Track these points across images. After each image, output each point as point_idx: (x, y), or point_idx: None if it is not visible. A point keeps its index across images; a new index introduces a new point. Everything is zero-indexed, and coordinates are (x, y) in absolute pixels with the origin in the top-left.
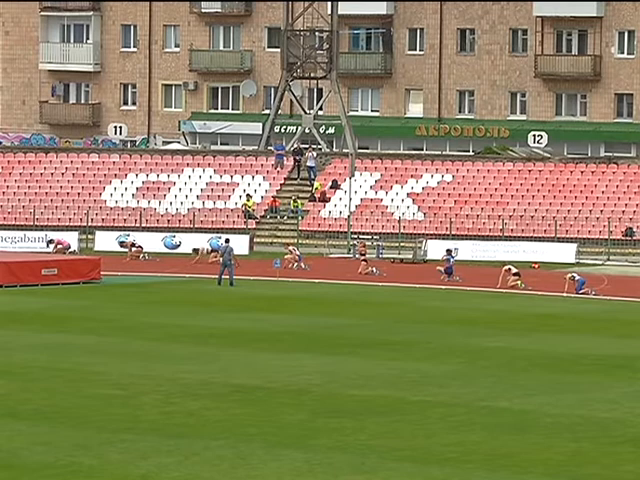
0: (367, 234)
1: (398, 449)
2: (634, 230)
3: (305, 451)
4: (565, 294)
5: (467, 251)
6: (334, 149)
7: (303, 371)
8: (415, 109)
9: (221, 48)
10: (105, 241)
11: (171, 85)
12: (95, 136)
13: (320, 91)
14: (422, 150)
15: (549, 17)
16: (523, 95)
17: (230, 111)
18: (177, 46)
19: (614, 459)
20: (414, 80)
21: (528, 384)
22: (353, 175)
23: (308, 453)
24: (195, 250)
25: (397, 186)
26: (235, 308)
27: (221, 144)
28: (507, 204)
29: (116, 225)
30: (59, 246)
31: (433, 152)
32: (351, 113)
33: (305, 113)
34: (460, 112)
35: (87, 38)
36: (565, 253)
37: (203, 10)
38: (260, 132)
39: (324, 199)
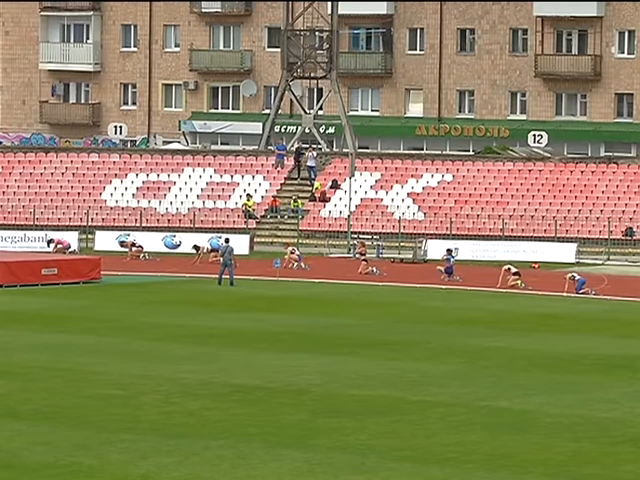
0: (367, 234)
1: (398, 449)
2: (634, 230)
3: (305, 451)
4: (565, 294)
5: (467, 251)
6: (334, 149)
7: (303, 371)
8: (415, 109)
9: (221, 48)
10: (105, 241)
11: (171, 85)
12: (95, 136)
13: (320, 91)
14: (422, 150)
15: (549, 17)
16: (523, 95)
17: (230, 111)
18: (177, 46)
19: (614, 459)
20: (414, 80)
21: (528, 384)
22: (353, 175)
23: (308, 453)
24: (196, 247)
25: (397, 186)
26: (235, 308)
27: (221, 144)
28: (507, 204)
29: (116, 225)
30: (59, 246)
31: (433, 152)
32: (351, 113)
33: (305, 113)
34: (460, 112)
35: (87, 38)
36: (565, 253)
37: (203, 10)
38: (260, 132)
39: (324, 199)
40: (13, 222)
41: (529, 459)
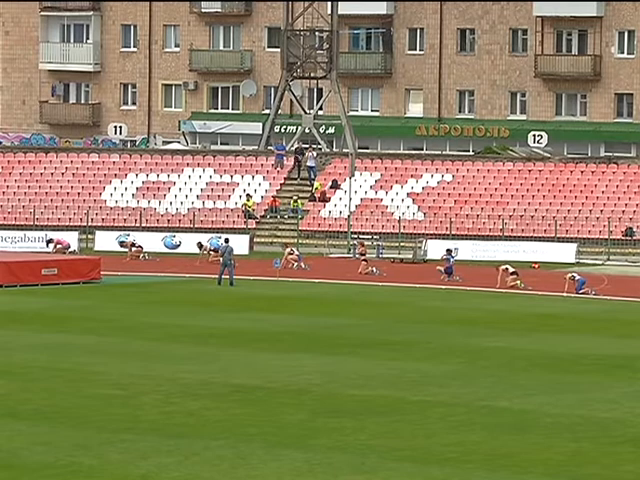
0: (367, 234)
1: (398, 449)
2: (634, 230)
3: (305, 451)
4: (565, 294)
5: (467, 251)
6: (334, 149)
7: (303, 371)
8: (415, 109)
9: (221, 48)
10: (105, 241)
11: (171, 85)
12: (95, 136)
13: (320, 91)
14: (422, 150)
15: (549, 17)
16: (523, 95)
17: (230, 111)
18: (177, 46)
19: (614, 459)
20: (414, 80)
21: (528, 384)
22: (353, 175)
23: (308, 453)
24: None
25: (397, 186)
26: (235, 308)
27: (221, 144)
28: (507, 204)
29: (116, 225)
30: (58, 246)
31: (433, 152)
32: (351, 113)
33: (305, 113)
34: (460, 112)
35: (87, 38)
36: (565, 253)
37: (203, 10)
38: (260, 132)
39: (324, 199)
40: (13, 222)
41: (529, 459)
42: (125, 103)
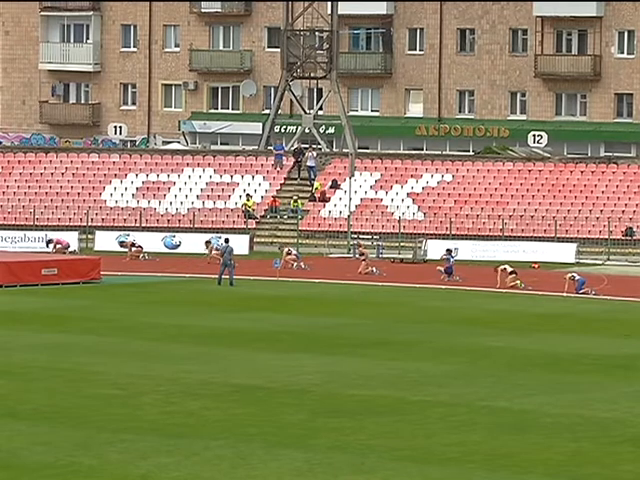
0: (367, 234)
1: (398, 449)
2: (634, 230)
3: (305, 451)
4: (565, 294)
5: (467, 251)
6: (334, 149)
7: (303, 371)
8: (415, 109)
9: (221, 48)
10: (105, 241)
11: (171, 85)
12: (95, 136)
13: (320, 91)
14: (422, 150)
15: (549, 17)
16: (523, 95)
17: (230, 111)
18: (177, 46)
19: (614, 459)
20: (414, 80)
21: (528, 384)
22: (353, 175)
23: (308, 453)
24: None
25: (397, 186)
26: (235, 308)
27: (221, 144)
28: (507, 204)
29: (116, 225)
30: (58, 245)
31: (433, 152)
32: (351, 113)
33: (305, 113)
34: (460, 112)
35: (87, 38)
36: (565, 253)
37: (203, 10)
38: (260, 132)
39: (324, 199)
40: (13, 222)
41: (529, 459)
42: (125, 103)
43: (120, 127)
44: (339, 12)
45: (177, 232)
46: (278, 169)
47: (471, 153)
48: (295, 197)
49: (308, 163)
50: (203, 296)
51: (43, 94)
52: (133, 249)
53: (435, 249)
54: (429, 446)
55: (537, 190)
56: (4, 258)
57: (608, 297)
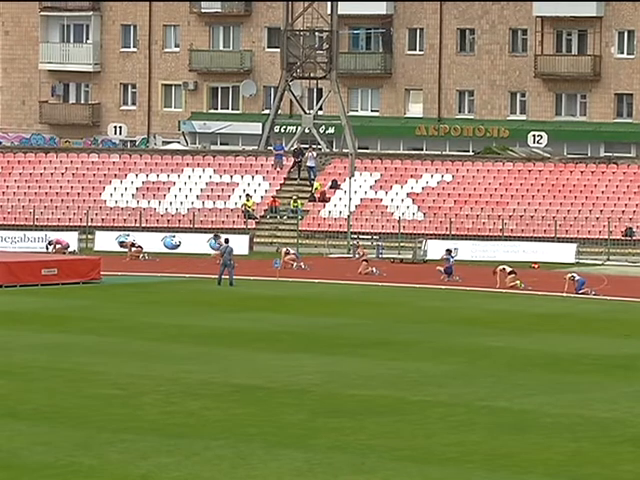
0: (367, 234)
1: (398, 449)
2: (634, 230)
3: (305, 451)
4: (565, 294)
5: (467, 251)
6: (334, 149)
7: (303, 371)
8: (415, 109)
9: (221, 48)
10: (105, 241)
11: (171, 85)
12: (95, 136)
13: (320, 91)
14: (422, 150)
15: (549, 17)
16: (523, 95)
17: (230, 111)
18: (177, 46)
19: (614, 459)
20: (414, 80)
21: (528, 384)
22: (353, 175)
23: (308, 453)
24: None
25: (397, 186)
26: (235, 308)
27: (221, 144)
28: (507, 204)
29: (116, 225)
30: (58, 245)
31: (433, 152)
32: (351, 113)
33: (305, 113)
34: (460, 112)
35: (87, 38)
36: (565, 253)
37: (203, 10)
38: (260, 132)
39: (324, 199)
40: (13, 222)
41: (529, 459)
42: (125, 103)
43: (120, 127)
44: (339, 12)
45: (177, 232)
46: (278, 169)
47: (471, 153)
48: (295, 197)
49: (308, 163)
50: (203, 296)
51: (43, 94)
52: (133, 249)
53: (435, 249)
54: (429, 446)
55: (537, 190)
56: (4, 258)
57: (608, 297)
